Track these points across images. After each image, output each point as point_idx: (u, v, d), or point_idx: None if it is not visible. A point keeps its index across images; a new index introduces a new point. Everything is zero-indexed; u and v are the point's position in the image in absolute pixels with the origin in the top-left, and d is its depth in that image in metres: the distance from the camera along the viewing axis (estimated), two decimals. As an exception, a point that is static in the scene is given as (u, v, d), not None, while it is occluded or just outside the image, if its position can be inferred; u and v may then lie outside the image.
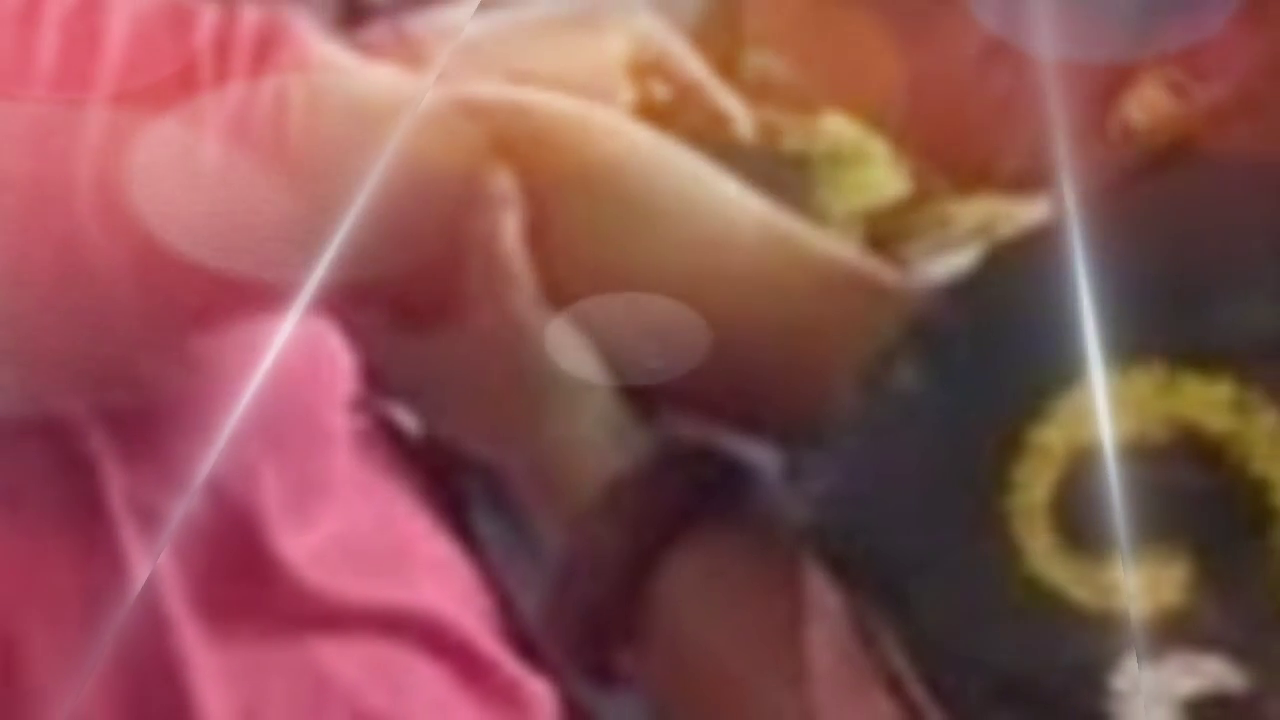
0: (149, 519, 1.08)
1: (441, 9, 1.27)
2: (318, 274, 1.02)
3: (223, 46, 1.01)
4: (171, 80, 1.00)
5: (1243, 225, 0.89)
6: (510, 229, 1.01)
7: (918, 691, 0.86)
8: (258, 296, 1.03)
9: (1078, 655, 0.85)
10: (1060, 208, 0.93)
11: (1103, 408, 0.88)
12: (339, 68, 1.04)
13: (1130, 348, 0.85)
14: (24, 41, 1.00)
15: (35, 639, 1.07)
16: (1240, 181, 0.90)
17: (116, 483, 1.07)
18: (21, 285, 0.93)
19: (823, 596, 0.90)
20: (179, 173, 0.99)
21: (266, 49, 1.01)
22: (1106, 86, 0.93)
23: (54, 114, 0.99)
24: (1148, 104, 0.92)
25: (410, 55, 1.16)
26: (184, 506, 1.01)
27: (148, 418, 1.08)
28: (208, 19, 1.02)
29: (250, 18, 1.02)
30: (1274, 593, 0.84)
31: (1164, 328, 0.86)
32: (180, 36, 1.01)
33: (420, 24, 1.24)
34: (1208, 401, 0.85)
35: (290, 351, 1.08)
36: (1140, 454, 0.84)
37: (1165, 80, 0.92)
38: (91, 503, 1.08)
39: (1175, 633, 0.84)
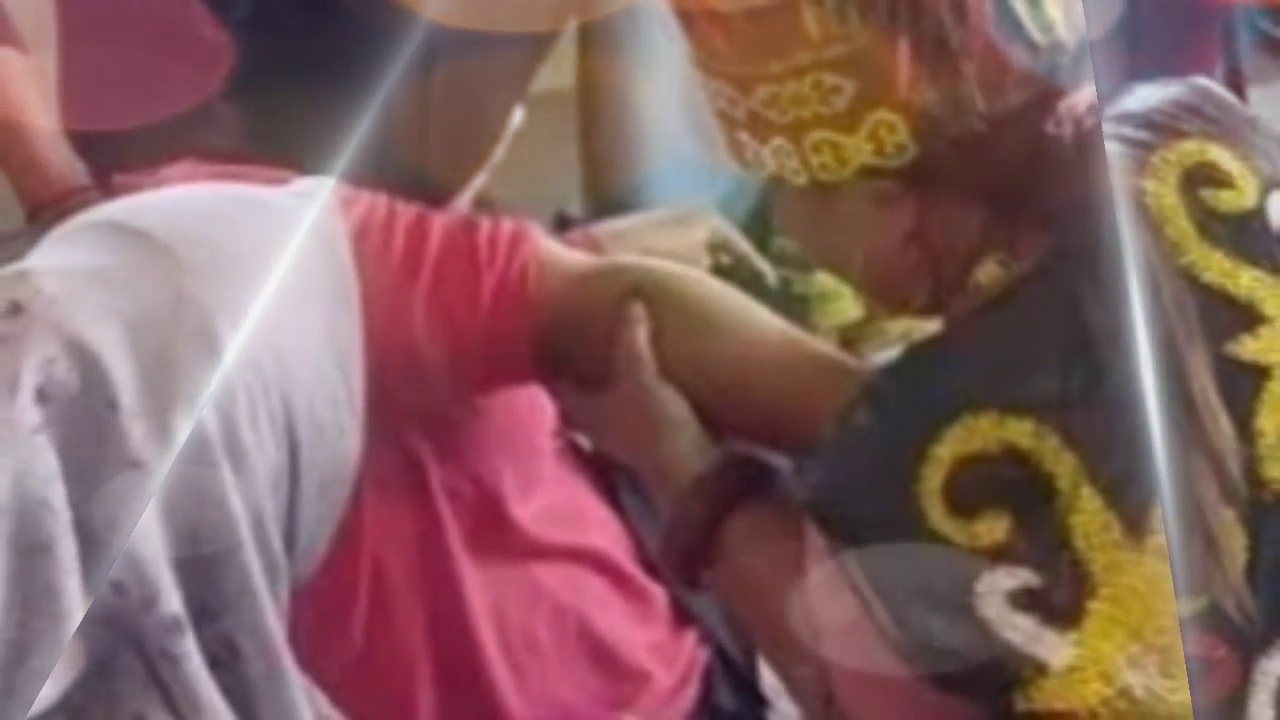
0: (452, 495, 1.34)
1: (607, 221, 1.55)
2: (533, 358, 1.26)
3: (493, 241, 1.27)
4: (462, 258, 1.24)
5: (1037, 338, 1.07)
6: (641, 335, 1.25)
7: (869, 593, 1.05)
8: (509, 375, 1.30)
9: (957, 573, 1.04)
10: (945, 326, 1.16)
11: (973, 435, 1.05)
12: (556, 253, 1.29)
13: (979, 401, 1.05)
14: (385, 238, 1.24)
15: (392, 563, 1.32)
16: (1036, 317, 1.08)
17: (435, 474, 1.33)
18: (384, 371, 1.04)
19: (815, 540, 1.08)
20: (466, 310, 1.23)
21: (516, 242, 1.26)
22: (966, 261, 1.13)
23: (402, 279, 1.21)
24: (988, 272, 1.13)
25: (592, 246, 1.44)
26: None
27: (453, 437, 1.32)
28: (484, 225, 1.27)
29: (507, 225, 1.27)
30: (1055, 533, 1.03)
31: (998, 390, 1.05)
32: (469, 234, 1.26)
33: (597, 229, 1.52)
34: (1020, 431, 1.04)
35: (521, 403, 1.36)
36: (984, 460, 1.04)
37: (998, 259, 1.12)
38: (421, 486, 1.32)
39: (1002, 555, 1.03)
